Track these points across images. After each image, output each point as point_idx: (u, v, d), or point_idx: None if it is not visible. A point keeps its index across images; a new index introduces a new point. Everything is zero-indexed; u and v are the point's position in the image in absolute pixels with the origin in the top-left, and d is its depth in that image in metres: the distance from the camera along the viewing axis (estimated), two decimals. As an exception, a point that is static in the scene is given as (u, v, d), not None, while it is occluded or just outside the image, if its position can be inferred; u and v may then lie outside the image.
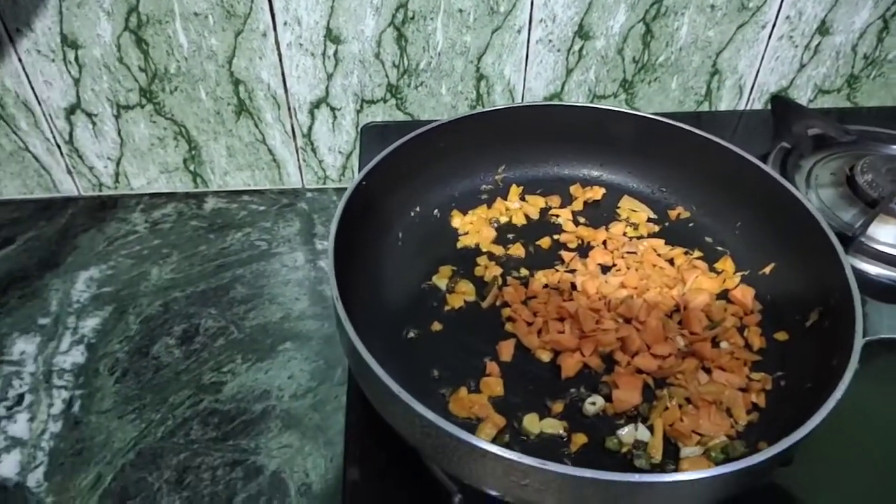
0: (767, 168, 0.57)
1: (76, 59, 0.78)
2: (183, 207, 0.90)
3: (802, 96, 0.89)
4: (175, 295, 0.79)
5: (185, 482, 0.63)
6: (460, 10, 0.78)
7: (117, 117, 0.83)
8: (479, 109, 0.62)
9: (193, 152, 0.88)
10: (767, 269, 0.57)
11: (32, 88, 0.80)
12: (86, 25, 0.76)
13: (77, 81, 0.80)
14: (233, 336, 0.75)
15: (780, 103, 0.81)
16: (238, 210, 0.90)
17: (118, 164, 0.88)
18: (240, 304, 0.78)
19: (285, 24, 0.77)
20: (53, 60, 0.78)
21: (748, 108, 0.89)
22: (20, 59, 0.78)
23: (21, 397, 0.69)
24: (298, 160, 0.90)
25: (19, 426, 0.67)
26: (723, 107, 0.89)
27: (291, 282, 0.81)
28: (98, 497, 0.61)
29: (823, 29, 0.83)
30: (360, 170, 0.78)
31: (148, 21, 0.76)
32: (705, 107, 0.88)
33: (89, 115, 0.83)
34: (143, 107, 0.83)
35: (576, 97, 0.86)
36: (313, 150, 0.89)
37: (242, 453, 0.65)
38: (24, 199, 0.90)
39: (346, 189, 0.90)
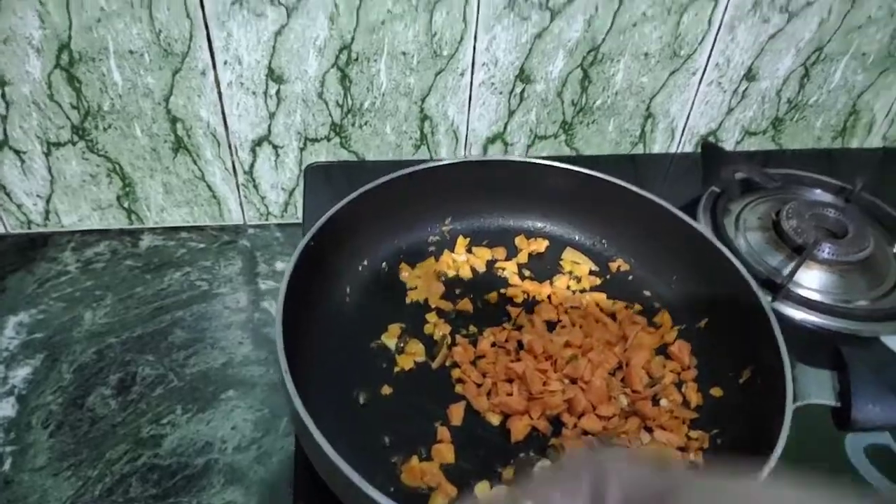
0: (698, 225, 0.60)
1: (3, 96, 0.75)
2: (117, 245, 0.87)
3: (730, 138, 0.93)
4: (110, 341, 0.76)
5: (124, 543, 0.61)
6: (404, 53, 0.78)
7: (47, 154, 0.80)
8: (425, 165, 0.62)
9: (128, 189, 0.85)
10: (702, 324, 0.60)
11: (-46, 125, 0.76)
12: (13, 62, 0.72)
13: (4, 118, 0.77)
14: (172, 384, 0.73)
15: (709, 148, 0.85)
16: (176, 247, 0.88)
17: (48, 201, 0.85)
18: (179, 350, 0.76)
19: (225, 63, 0.76)
20: (-23, 97, 0.75)
21: (680, 150, 0.93)
22: (-60, 96, 0.74)
23: (-55, 456, 0.66)
24: (240, 196, 0.88)
25: (-56, 488, 0.63)
26: (656, 148, 0.92)
27: (234, 324, 0.79)
28: (32, 563, 0.59)
29: (750, 75, 0.87)
30: (304, 214, 0.78)
31: (80, 58, 0.73)
32: (640, 148, 0.92)
33: (17, 152, 0.79)
34: (74, 144, 0.80)
35: (517, 137, 0.88)
36: (255, 186, 0.88)
37: (184, 511, 0.63)
38: (-55, 238, 0.86)
39: (288, 224, 0.91)
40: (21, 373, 0.72)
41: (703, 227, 0.59)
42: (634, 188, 0.62)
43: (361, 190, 0.58)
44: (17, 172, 0.81)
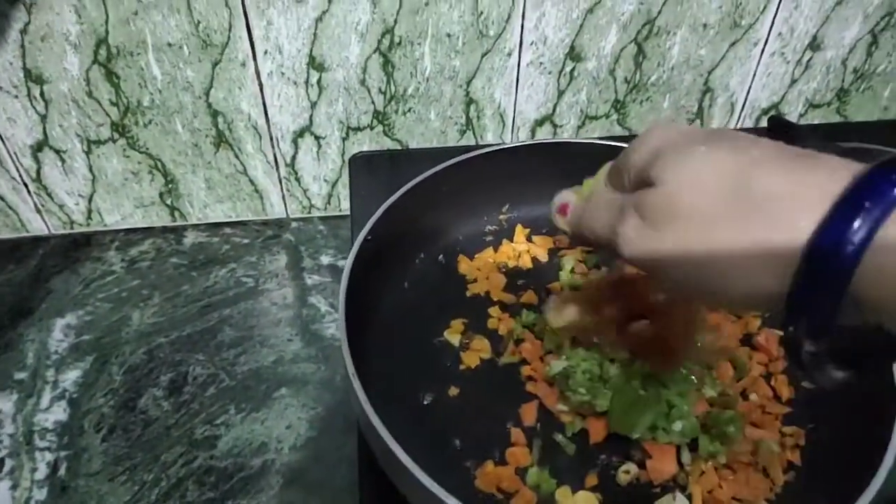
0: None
1: (42, 94, 0.73)
2: (161, 243, 0.86)
3: (794, 111, 0.88)
4: (159, 341, 0.75)
5: (184, 549, 0.59)
6: (448, 35, 0.75)
7: (88, 153, 0.79)
8: (479, 151, 0.59)
9: (170, 186, 0.83)
10: (787, 312, 0.56)
11: (-6, 126, 0.75)
12: (51, 59, 0.71)
13: (44, 118, 0.75)
14: (224, 384, 0.71)
15: (776, 123, 0.80)
16: (220, 244, 0.86)
17: (90, 200, 0.83)
18: (229, 349, 0.74)
19: (266, 52, 0.73)
20: (17, 97, 0.73)
21: (739, 125, 0.88)
22: (-20, 97, 0.73)
23: (1, 462, 0.65)
24: (282, 190, 0.86)
25: (1, 495, 0.62)
26: (715, 124, 0.87)
27: (282, 321, 0.77)
28: (93, 571, 0.58)
29: (815, 44, 0.82)
30: (352, 206, 0.76)
31: (119, 53, 0.71)
32: (697, 125, 0.87)
33: (58, 151, 0.78)
34: (115, 141, 0.78)
35: (567, 119, 0.84)
36: (297, 179, 0.85)
37: (243, 514, 0.61)
38: (-10, 240, 0.85)
39: (332, 217, 0.89)
40: (71, 376, 0.72)
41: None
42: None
43: (416, 181, 0.56)
44: (59, 172, 0.80)
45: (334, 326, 0.77)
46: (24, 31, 0.69)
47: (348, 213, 0.89)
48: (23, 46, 0.70)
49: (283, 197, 0.87)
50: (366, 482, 0.50)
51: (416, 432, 0.39)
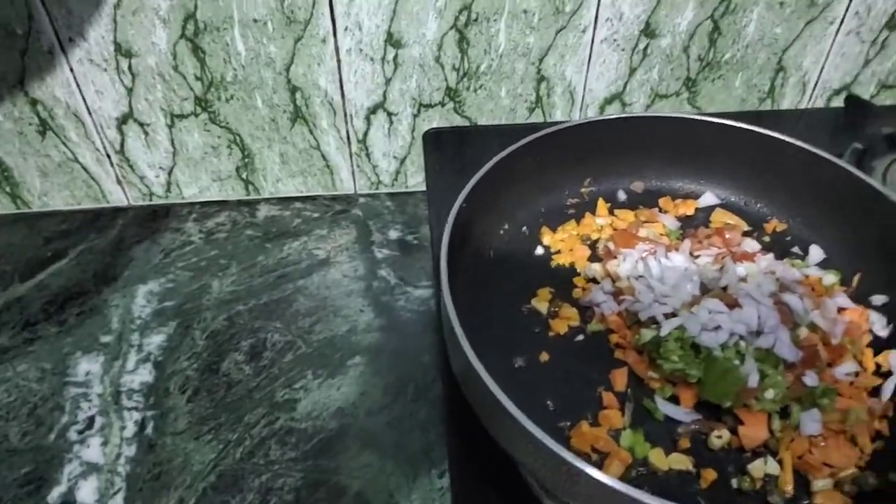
0: (869, 179, 0.55)
1: (129, 68, 0.76)
2: (236, 216, 0.88)
3: (865, 92, 0.87)
4: (238, 308, 0.77)
5: (269, 505, 0.62)
6: (525, 11, 0.76)
7: (171, 126, 0.81)
8: (568, 124, 0.60)
9: (247, 160, 0.86)
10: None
11: (84, 99, 0.78)
12: (141, 34, 0.73)
13: (130, 91, 0.78)
14: (301, 351, 0.74)
15: (853, 102, 0.79)
16: (292, 217, 0.89)
17: (170, 173, 0.86)
18: (304, 317, 0.77)
19: (346, 29, 0.75)
20: (106, 70, 0.76)
21: (810, 105, 0.87)
22: (72, 69, 0.76)
23: (92, 420, 0.68)
24: (352, 166, 0.88)
25: (93, 451, 0.65)
26: (785, 104, 0.87)
27: (354, 292, 0.79)
28: (182, 522, 0.60)
29: (892, 24, 0.81)
30: (427, 180, 0.77)
31: (205, 28, 0.74)
32: (767, 104, 0.87)
33: (142, 124, 0.81)
34: (197, 115, 0.81)
35: (637, 97, 0.84)
36: (367, 155, 0.87)
37: (323, 473, 0.63)
38: (72, 210, 0.89)
39: (398, 193, 0.90)
40: (155, 340, 0.74)
41: (878, 182, 0.55)
42: (794, 141, 0.58)
43: (501, 155, 0.56)
44: (141, 145, 0.83)
45: (404, 299, 0.78)
46: (117, 6, 0.71)
47: (414, 189, 0.91)
48: (115, 21, 0.72)
49: (353, 173, 0.89)
50: (454, 439, 0.51)
51: (512, 393, 0.40)
